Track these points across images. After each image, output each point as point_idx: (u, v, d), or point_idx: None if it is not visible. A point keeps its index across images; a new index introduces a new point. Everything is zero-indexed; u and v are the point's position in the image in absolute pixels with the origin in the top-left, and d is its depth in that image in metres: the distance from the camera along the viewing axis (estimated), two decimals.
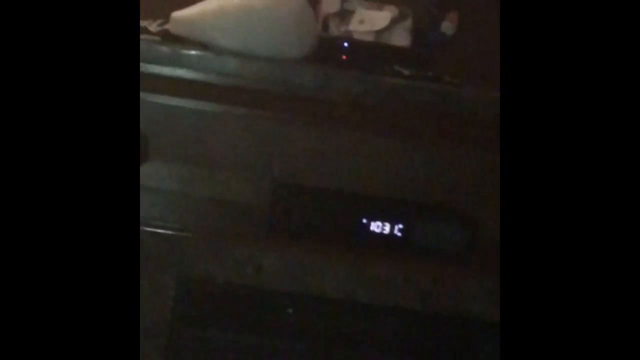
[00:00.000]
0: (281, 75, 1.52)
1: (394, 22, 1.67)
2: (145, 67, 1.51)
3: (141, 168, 1.62)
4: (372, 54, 1.66)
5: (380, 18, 1.67)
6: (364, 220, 1.54)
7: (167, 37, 1.59)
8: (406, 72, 1.61)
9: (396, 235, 1.55)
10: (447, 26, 1.71)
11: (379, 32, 1.67)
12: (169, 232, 1.47)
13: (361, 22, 1.67)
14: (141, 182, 1.68)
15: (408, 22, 1.68)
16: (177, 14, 1.54)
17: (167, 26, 1.59)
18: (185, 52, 1.51)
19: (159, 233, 1.46)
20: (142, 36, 1.60)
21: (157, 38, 1.61)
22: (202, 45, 1.54)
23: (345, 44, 1.65)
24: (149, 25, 1.64)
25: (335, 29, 1.68)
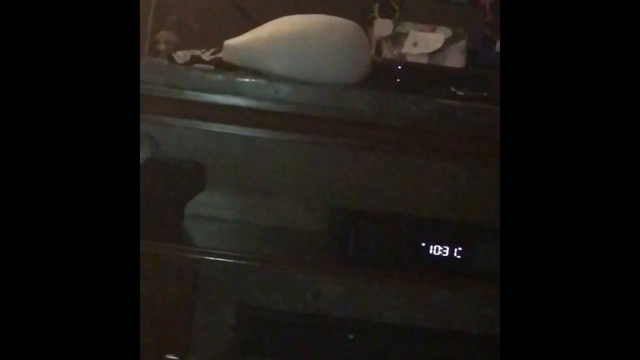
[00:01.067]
0: (335, 101, 1.53)
1: (447, 43, 1.66)
2: (199, 96, 1.53)
3: (199, 197, 1.69)
4: (427, 77, 1.67)
5: (434, 40, 1.66)
6: (423, 244, 1.53)
7: (221, 66, 1.61)
8: (461, 93, 1.61)
9: (456, 258, 1.54)
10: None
11: (432, 54, 1.67)
12: (228, 260, 1.49)
13: (415, 44, 1.67)
14: (199, 211, 1.76)
15: (462, 43, 1.66)
16: (230, 42, 1.56)
17: (220, 54, 1.60)
18: (239, 79, 1.53)
19: (218, 262, 1.48)
20: (195, 65, 1.64)
21: (210, 67, 1.63)
22: (256, 73, 1.55)
23: (399, 67, 1.66)
24: (202, 54, 1.66)
25: (388, 53, 1.67)
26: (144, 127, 1.63)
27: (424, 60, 1.66)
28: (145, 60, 1.69)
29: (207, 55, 1.64)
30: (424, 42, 1.67)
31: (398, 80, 1.65)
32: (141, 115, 1.55)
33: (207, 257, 1.48)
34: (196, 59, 1.64)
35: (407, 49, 1.66)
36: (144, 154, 1.62)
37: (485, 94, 1.62)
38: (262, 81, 1.52)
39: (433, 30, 1.66)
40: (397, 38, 1.67)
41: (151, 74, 1.53)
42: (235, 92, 1.53)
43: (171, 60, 1.66)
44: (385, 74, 1.64)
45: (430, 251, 1.53)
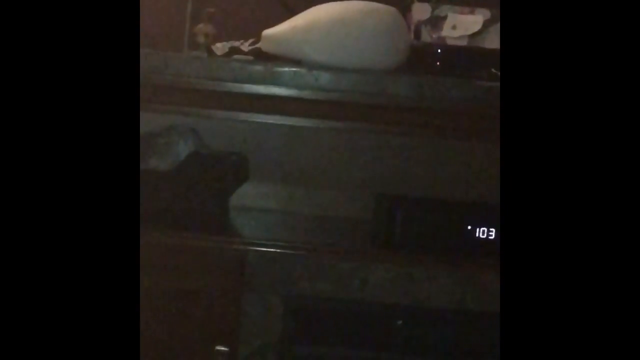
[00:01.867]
0: (375, 86, 1.55)
1: (486, 25, 1.69)
2: (240, 87, 1.56)
3: (243, 188, 1.70)
4: (467, 59, 1.69)
5: (473, 22, 1.69)
6: (469, 227, 1.54)
7: (260, 56, 1.64)
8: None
9: (494, 240, 1.55)
10: None
11: (472, 36, 1.69)
12: (275, 250, 1.51)
13: (453, 27, 1.69)
14: (244, 202, 1.77)
15: (499, 24, 1.67)
16: (268, 32, 1.58)
17: (258, 45, 1.63)
18: (279, 69, 1.55)
19: (264, 252, 1.51)
20: (234, 56, 1.67)
21: (249, 57, 1.66)
22: (295, 62, 1.57)
23: (439, 51, 1.67)
24: (241, 45, 1.70)
25: (427, 36, 1.70)
26: (186, 121, 1.68)
27: (464, 43, 1.68)
28: (185, 54, 1.72)
29: (245, 46, 1.68)
30: (462, 25, 1.69)
31: (438, 63, 1.66)
32: (183, 109, 1.61)
33: (254, 248, 1.50)
34: (235, 50, 1.67)
35: (446, 32, 1.69)
36: (188, 149, 1.66)
37: None
38: (301, 70, 1.54)
39: (471, 12, 1.69)
40: (435, 21, 1.69)
41: (191, 67, 1.56)
42: (276, 82, 1.56)
43: (210, 52, 1.68)
44: (425, 58, 1.66)
45: (477, 234, 1.53)
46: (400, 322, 1.57)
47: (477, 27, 1.66)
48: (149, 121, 1.58)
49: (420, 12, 1.68)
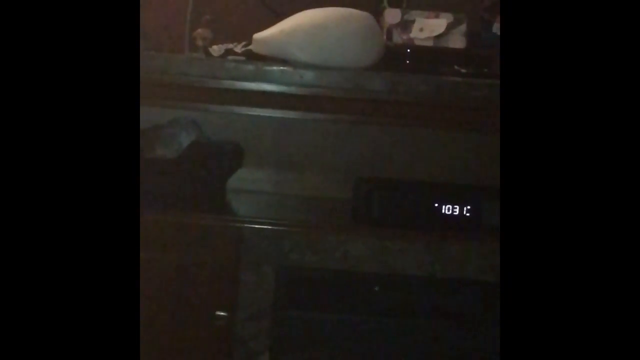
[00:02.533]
0: (353, 82, 1.62)
1: (450, 27, 1.75)
2: (234, 84, 1.62)
3: (238, 173, 1.77)
4: (433, 58, 1.75)
5: (438, 25, 1.74)
6: (436, 205, 1.61)
7: (251, 56, 1.69)
8: (464, 70, 1.70)
9: (466, 216, 1.62)
10: (498, 27, 1.77)
11: (437, 38, 1.75)
12: (267, 227, 1.57)
13: (421, 30, 1.75)
14: (239, 185, 1.85)
15: (463, 27, 1.75)
16: (259, 35, 1.65)
17: (250, 47, 1.69)
18: (268, 68, 1.62)
19: (258, 229, 1.56)
20: (229, 57, 1.72)
21: (242, 58, 1.71)
22: (283, 61, 1.64)
23: (408, 50, 1.75)
24: (235, 47, 1.74)
25: (398, 38, 1.75)
26: (188, 114, 1.75)
27: (430, 43, 1.75)
28: (185, 55, 1.77)
29: (239, 48, 1.73)
30: (429, 28, 1.76)
31: (408, 62, 1.75)
32: (185, 104, 1.67)
33: (249, 225, 1.56)
34: (229, 52, 1.73)
35: (415, 34, 1.76)
36: (189, 138, 1.70)
37: (486, 70, 1.71)
38: (288, 69, 1.61)
39: (437, 17, 1.76)
40: (405, 25, 1.76)
41: (191, 67, 1.62)
42: (265, 79, 1.62)
43: (208, 54, 1.73)
44: (396, 57, 1.74)
45: (443, 211, 1.61)
46: (377, 288, 1.64)
47: (441, 30, 1.74)
48: (155, 115, 1.66)
49: (392, 17, 1.75)
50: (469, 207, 1.61)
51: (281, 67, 1.61)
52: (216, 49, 1.73)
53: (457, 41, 1.76)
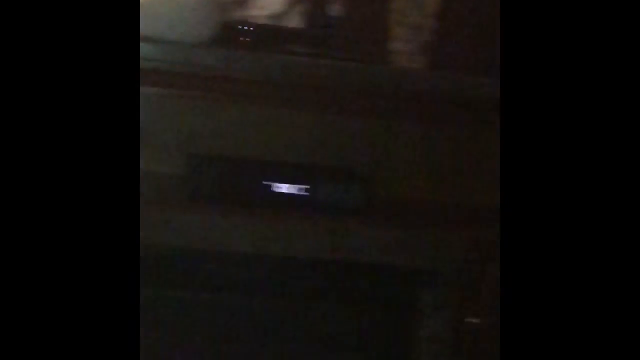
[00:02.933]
0: (185, 58, 1.64)
1: (289, 6, 1.80)
2: None
3: None
4: (270, 36, 1.79)
5: (277, 3, 1.81)
6: (269, 183, 1.65)
7: None
8: (301, 50, 1.74)
9: (300, 195, 1.67)
10: (336, 9, 1.85)
11: (275, 16, 1.80)
12: None
13: (259, 7, 1.80)
14: None
15: (302, 6, 1.82)
16: None
17: None
18: None
19: None
20: None
21: None
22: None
23: (245, 28, 1.78)
24: None
25: (236, 14, 1.80)
26: None
27: (269, 22, 1.80)
28: None
29: None
30: (268, 5, 1.82)
31: (246, 39, 1.77)
32: None
33: None
34: None
35: (253, 11, 1.81)
36: None
37: (323, 50, 1.78)
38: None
39: None
40: (244, 1, 1.80)
41: None
42: None
43: None
44: (234, 34, 1.76)
45: (276, 189, 1.65)
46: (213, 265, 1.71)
47: (280, 8, 1.80)
48: None
49: None
50: (302, 187, 1.66)
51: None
52: None
53: (295, 21, 1.84)
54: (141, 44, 1.58)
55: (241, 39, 1.76)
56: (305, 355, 1.91)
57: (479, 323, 1.70)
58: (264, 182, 1.65)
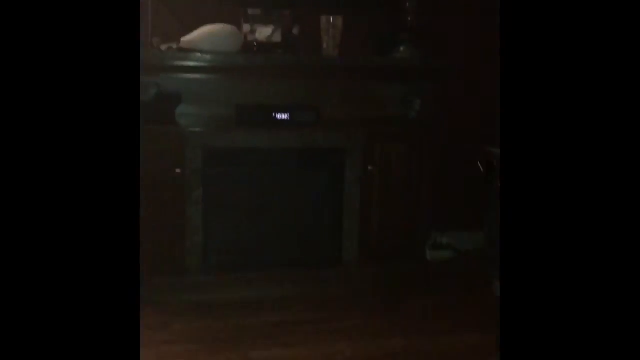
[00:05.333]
0: (226, 60, 3.11)
1: (274, 32, 3.29)
2: (172, 61, 3.04)
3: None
4: (266, 47, 3.23)
5: (267, 31, 3.27)
6: (274, 113, 3.13)
7: (181, 49, 3.10)
8: (281, 52, 3.24)
9: (286, 119, 3.18)
10: (294, 30, 3.28)
11: (268, 38, 3.29)
12: None
13: (259, 33, 3.29)
14: None
15: (278, 33, 3.29)
16: (184, 39, 3.09)
17: (181, 45, 3.12)
18: (185, 54, 3.06)
19: None
20: (169, 49, 3.10)
21: (176, 49, 3.13)
22: (194, 50, 3.07)
23: (255, 43, 3.26)
24: (175, 45, 3.13)
25: (251, 37, 3.27)
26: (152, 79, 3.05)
27: (264, 40, 3.26)
28: (148, 50, 3.03)
29: (175, 45, 3.09)
30: (263, 33, 3.23)
31: (255, 49, 3.20)
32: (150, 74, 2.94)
33: None
34: (170, 48, 3.09)
35: (258, 36, 3.25)
36: (154, 91, 3.01)
37: (291, 50, 3.24)
38: (196, 54, 3.02)
39: (267, 26, 3.22)
40: (253, 31, 3.25)
41: (149, 55, 2.97)
42: (186, 59, 3.01)
43: (159, 48, 3.08)
44: (247, 46, 3.16)
45: (276, 117, 3.16)
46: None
47: (269, 33, 3.22)
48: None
49: (245, 29, 3.19)
50: (287, 114, 3.12)
51: (192, 54, 3.03)
52: (164, 46, 3.11)
53: (277, 37, 3.26)
54: (203, 55, 2.92)
55: (254, 49, 3.14)
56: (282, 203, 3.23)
57: None
58: (272, 113, 3.10)
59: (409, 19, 3.38)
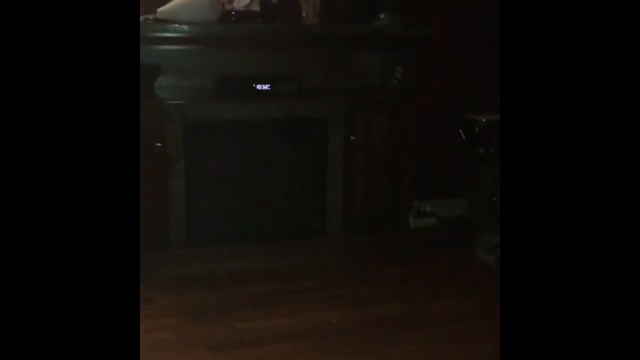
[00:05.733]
0: (201, 29, 3.07)
1: (251, 2, 3.25)
2: (152, 33, 2.96)
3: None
4: (244, 16, 3.21)
5: (243, 0, 3.24)
6: (254, 84, 3.10)
7: (159, 20, 3.06)
8: (260, 21, 3.20)
9: (267, 89, 3.15)
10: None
11: (246, 5, 3.25)
12: None
13: (237, 2, 3.24)
14: None
15: (256, 2, 3.26)
16: (160, 9, 3.05)
17: (157, 16, 3.07)
18: (162, 25, 3.03)
19: None
20: (148, 19, 3.05)
21: (153, 19, 3.09)
22: (170, 21, 3.01)
23: (233, 12, 3.22)
24: (152, 16, 3.10)
25: (228, 6, 3.22)
26: None
27: (242, 8, 3.22)
28: None
29: (152, 17, 3.03)
30: (240, 2, 3.20)
31: (233, 18, 3.15)
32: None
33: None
34: (147, 19, 3.02)
35: (235, 4, 3.22)
36: None
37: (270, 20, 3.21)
38: (173, 25, 2.95)
39: None
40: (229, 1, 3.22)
41: None
42: (163, 30, 2.95)
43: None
44: (225, 16, 3.11)
45: (257, 87, 3.13)
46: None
47: (247, 2, 3.18)
48: None
49: None
50: (268, 85, 3.12)
51: (168, 25, 2.97)
52: (141, 18, 3.04)
53: (255, 6, 3.22)
54: (180, 26, 2.87)
55: (232, 18, 3.09)
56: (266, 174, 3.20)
57: None
58: (252, 84, 3.07)
59: None
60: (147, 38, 2.98)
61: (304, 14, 3.24)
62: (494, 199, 3.51)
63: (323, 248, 3.27)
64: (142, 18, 3.03)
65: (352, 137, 3.24)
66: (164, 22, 2.98)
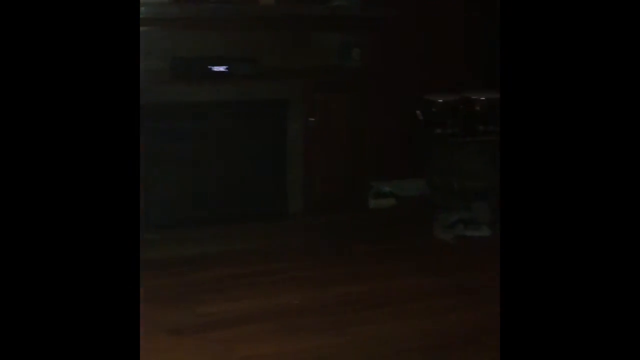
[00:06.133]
0: (164, 10, 3.00)
1: None
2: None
3: None
4: None
5: None
6: (211, 66, 3.04)
7: None
8: (217, 1, 3.15)
9: (224, 71, 3.10)
10: None
11: None
12: None
13: None
14: None
15: None
16: None
17: None
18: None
19: None
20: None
21: None
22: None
23: None
24: None
25: None
26: None
27: None
28: None
29: None
30: None
31: None
32: None
33: None
34: None
35: None
36: None
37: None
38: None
39: None
40: None
41: None
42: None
43: None
44: None
45: (213, 69, 3.07)
46: None
47: None
48: None
49: None
50: (225, 67, 3.06)
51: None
52: None
53: None
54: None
55: None
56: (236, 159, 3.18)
57: None
58: (208, 66, 3.03)
59: None
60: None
61: None
62: (451, 179, 3.52)
63: (284, 230, 3.25)
64: None
65: (310, 119, 3.22)
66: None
